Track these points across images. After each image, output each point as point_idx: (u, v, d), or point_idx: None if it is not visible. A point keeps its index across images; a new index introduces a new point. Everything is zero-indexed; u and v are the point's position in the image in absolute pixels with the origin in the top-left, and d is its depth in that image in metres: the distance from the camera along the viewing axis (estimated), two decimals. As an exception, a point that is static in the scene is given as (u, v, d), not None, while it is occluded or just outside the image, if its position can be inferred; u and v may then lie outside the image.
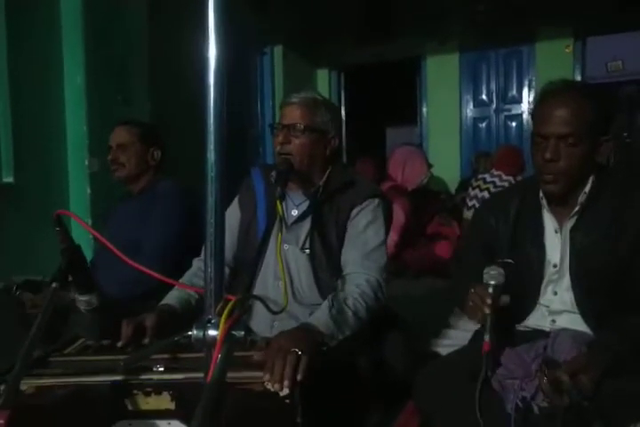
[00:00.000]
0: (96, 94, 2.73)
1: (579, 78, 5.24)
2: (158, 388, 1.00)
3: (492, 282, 1.16)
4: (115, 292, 1.58)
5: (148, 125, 2.06)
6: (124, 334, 1.21)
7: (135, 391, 1.01)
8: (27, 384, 0.98)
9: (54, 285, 0.97)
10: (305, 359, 1.01)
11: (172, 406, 1.00)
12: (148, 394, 1.01)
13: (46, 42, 2.62)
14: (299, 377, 0.98)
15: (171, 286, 1.38)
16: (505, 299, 1.18)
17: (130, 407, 1.01)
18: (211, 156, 0.74)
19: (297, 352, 1.01)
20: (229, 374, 0.68)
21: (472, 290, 1.19)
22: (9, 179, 2.43)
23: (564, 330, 1.24)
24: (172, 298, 1.38)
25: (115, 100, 2.83)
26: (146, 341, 1.21)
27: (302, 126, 1.38)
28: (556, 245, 1.28)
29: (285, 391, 0.96)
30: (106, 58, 2.81)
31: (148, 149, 1.92)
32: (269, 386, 0.96)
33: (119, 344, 1.20)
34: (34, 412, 0.96)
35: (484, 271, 1.18)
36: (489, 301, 1.14)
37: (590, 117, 1.19)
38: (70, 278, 1.04)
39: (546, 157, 1.20)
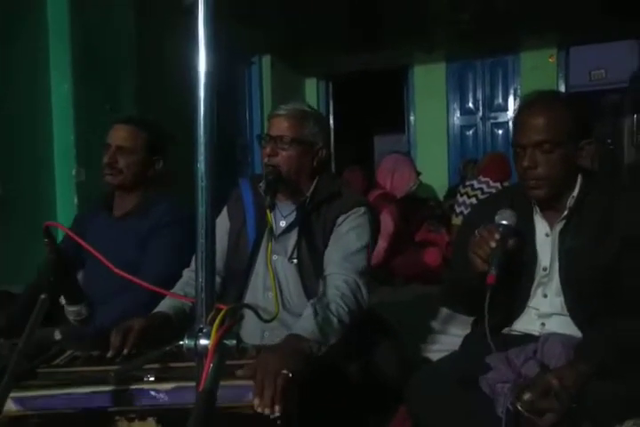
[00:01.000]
0: (83, 103, 2.72)
1: (562, 87, 5.34)
2: (142, 414, 0.99)
3: (503, 222, 1.20)
4: (109, 322, 1.37)
5: (156, 128, 1.77)
6: (113, 343, 1.20)
7: (117, 417, 0.99)
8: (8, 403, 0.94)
9: (43, 296, 0.97)
10: (294, 381, 0.99)
11: None
12: (131, 420, 0.99)
13: (32, 50, 2.61)
14: (290, 403, 0.97)
15: None
16: (512, 242, 1.19)
17: None
18: (201, 166, 0.75)
19: (287, 374, 0.99)
20: (219, 399, 0.66)
21: (481, 227, 1.21)
22: (-4, 189, 2.41)
23: (554, 334, 1.25)
24: (164, 306, 1.38)
25: (102, 108, 2.81)
26: (130, 342, 1.19)
27: (289, 138, 1.39)
28: (546, 248, 1.30)
29: (276, 415, 0.94)
30: (93, 66, 2.80)
31: (151, 158, 1.70)
32: (260, 410, 0.95)
33: (109, 355, 1.18)
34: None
35: (497, 213, 1.22)
36: (497, 236, 1.16)
37: (566, 123, 1.22)
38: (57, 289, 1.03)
39: (523, 165, 1.24)
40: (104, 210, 1.74)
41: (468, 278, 1.25)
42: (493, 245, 1.16)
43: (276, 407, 0.94)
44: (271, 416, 0.94)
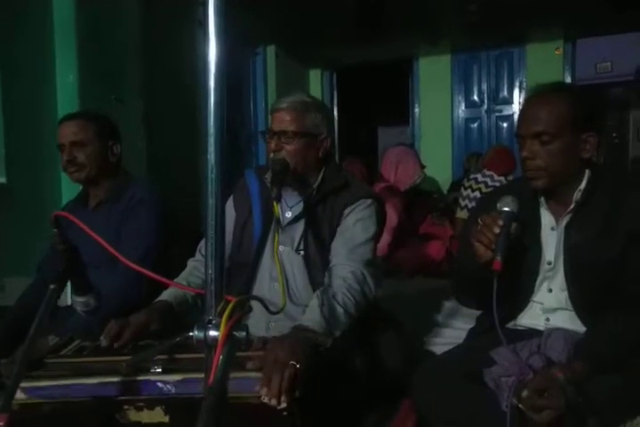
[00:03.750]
0: (89, 93, 2.71)
1: (568, 79, 5.31)
2: (150, 403, 0.99)
3: (505, 208, 1.20)
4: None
5: (101, 116, 1.79)
6: (106, 333, 1.19)
7: (126, 407, 0.99)
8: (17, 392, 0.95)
9: (52, 286, 0.97)
10: (302, 371, 1.00)
11: (165, 419, 0.99)
12: (139, 409, 0.99)
13: (38, 40, 2.59)
14: (297, 393, 0.97)
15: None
16: (515, 227, 1.20)
17: (122, 421, 0.99)
18: (211, 158, 0.74)
19: (294, 365, 1.00)
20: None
21: (484, 215, 1.21)
22: (1, 179, 2.41)
23: (557, 329, 1.25)
24: (167, 295, 1.37)
25: (108, 99, 2.80)
26: (125, 336, 1.19)
27: (293, 132, 1.38)
28: (551, 242, 1.30)
29: (283, 405, 0.95)
30: (98, 56, 2.78)
31: (107, 144, 1.71)
32: (266, 401, 0.95)
33: (102, 344, 1.18)
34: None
35: (498, 200, 1.22)
36: (500, 222, 1.17)
37: (566, 115, 1.21)
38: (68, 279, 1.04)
39: (522, 155, 1.25)
40: (79, 204, 1.77)
41: (473, 269, 1.25)
42: (497, 231, 1.16)
43: (283, 398, 0.95)
44: (278, 407, 0.95)
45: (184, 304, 1.38)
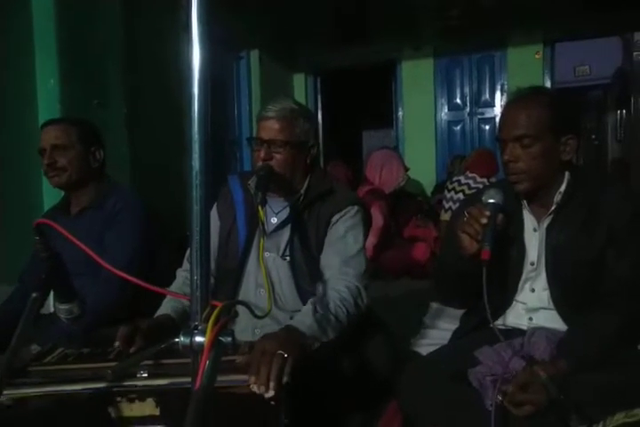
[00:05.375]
0: (70, 98, 2.68)
1: (548, 83, 5.41)
2: (142, 394, 1.00)
3: (491, 200, 1.22)
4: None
5: (84, 121, 1.77)
6: (120, 335, 1.18)
7: (118, 399, 1.00)
8: (5, 396, 0.96)
9: (34, 294, 0.96)
10: (290, 361, 1.01)
11: (156, 411, 1.00)
12: (131, 401, 1.00)
13: (17, 45, 2.56)
14: (285, 379, 0.98)
15: (136, 313, 1.36)
16: (501, 218, 1.22)
17: (113, 415, 1.00)
18: (195, 163, 0.74)
19: (282, 354, 1.01)
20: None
21: (471, 207, 1.23)
22: (-18, 185, 2.38)
23: (540, 329, 1.27)
24: (167, 308, 1.36)
25: (90, 104, 2.78)
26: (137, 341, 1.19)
27: (282, 141, 1.37)
28: (534, 243, 1.32)
29: (271, 393, 0.95)
30: (80, 61, 2.75)
31: (89, 149, 1.68)
32: (255, 389, 0.96)
33: (116, 345, 1.17)
34: (14, 423, 0.94)
35: (484, 192, 1.25)
36: (488, 213, 1.19)
37: (546, 118, 1.24)
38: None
39: (504, 159, 1.27)
40: (60, 211, 1.74)
41: (457, 264, 1.27)
42: (484, 221, 1.18)
43: (272, 385, 0.95)
44: (266, 395, 0.95)
45: (183, 316, 1.35)
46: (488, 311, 1.11)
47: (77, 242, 0.91)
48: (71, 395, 0.99)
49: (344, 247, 1.39)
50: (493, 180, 3.55)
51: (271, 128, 1.38)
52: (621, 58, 5.50)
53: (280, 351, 1.02)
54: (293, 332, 1.15)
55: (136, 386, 1.00)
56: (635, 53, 5.06)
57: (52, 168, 1.63)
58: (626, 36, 5.22)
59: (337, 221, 1.41)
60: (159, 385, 1.00)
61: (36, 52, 2.63)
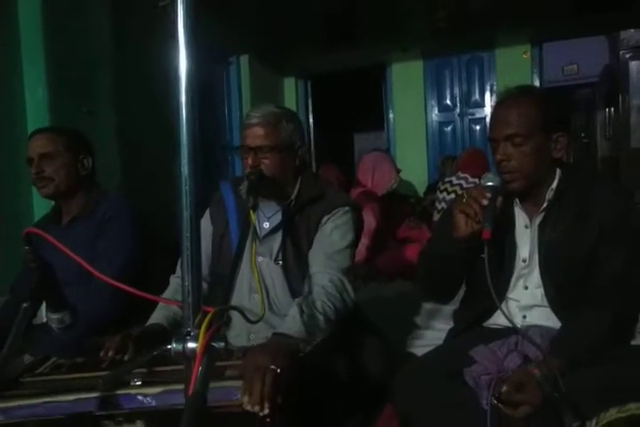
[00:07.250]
0: (59, 107, 2.66)
1: (537, 82, 5.44)
2: (131, 417, 0.98)
3: (489, 183, 1.24)
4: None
5: (71, 130, 1.76)
6: (108, 346, 1.18)
7: (106, 422, 0.98)
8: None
9: (25, 304, 0.95)
10: (284, 376, 1.00)
11: None
12: (119, 424, 0.98)
13: (4, 54, 2.55)
14: (279, 399, 0.97)
15: (127, 324, 1.35)
16: (500, 200, 1.24)
17: None
18: (184, 169, 0.74)
19: (275, 370, 1.00)
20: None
21: (470, 189, 1.25)
22: (-30, 196, 2.36)
23: (534, 327, 1.28)
24: (158, 318, 1.36)
25: (79, 112, 2.76)
26: (129, 349, 1.19)
27: (269, 147, 1.38)
28: (525, 240, 1.33)
29: (266, 412, 0.94)
30: (68, 70, 2.74)
31: (77, 157, 1.67)
32: (249, 408, 0.95)
33: (102, 354, 1.17)
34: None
35: (482, 177, 1.26)
36: (488, 195, 1.21)
37: (536, 116, 1.25)
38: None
39: (496, 158, 1.28)
40: (52, 221, 1.73)
41: (446, 246, 1.29)
42: (485, 202, 1.20)
43: (266, 404, 0.94)
44: (260, 414, 0.94)
45: (175, 325, 1.35)
46: (493, 292, 1.12)
47: (67, 251, 0.91)
48: (56, 420, 0.97)
49: (329, 244, 1.39)
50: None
51: (256, 135, 1.39)
52: (608, 57, 5.55)
53: (272, 367, 1.00)
54: (283, 340, 1.14)
55: (123, 409, 0.97)
56: (621, 52, 5.10)
57: (39, 178, 1.62)
58: (612, 35, 5.27)
59: (326, 221, 1.42)
60: (148, 407, 0.97)
61: (23, 61, 2.61)
